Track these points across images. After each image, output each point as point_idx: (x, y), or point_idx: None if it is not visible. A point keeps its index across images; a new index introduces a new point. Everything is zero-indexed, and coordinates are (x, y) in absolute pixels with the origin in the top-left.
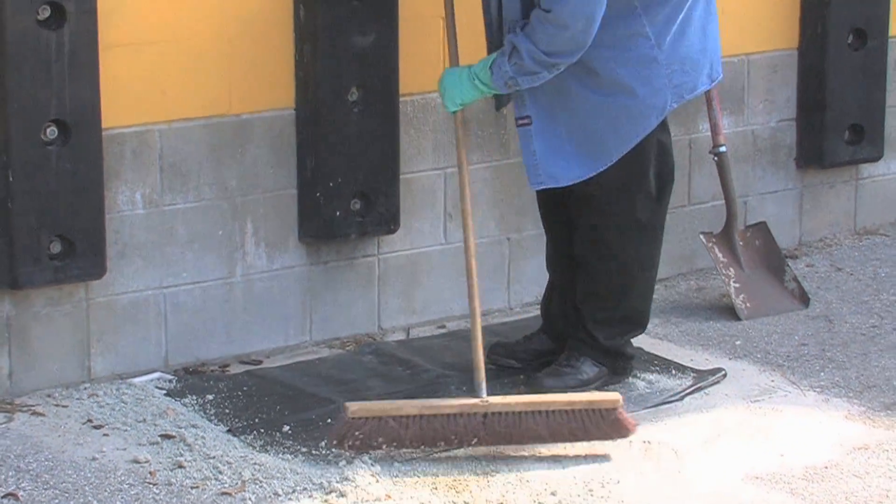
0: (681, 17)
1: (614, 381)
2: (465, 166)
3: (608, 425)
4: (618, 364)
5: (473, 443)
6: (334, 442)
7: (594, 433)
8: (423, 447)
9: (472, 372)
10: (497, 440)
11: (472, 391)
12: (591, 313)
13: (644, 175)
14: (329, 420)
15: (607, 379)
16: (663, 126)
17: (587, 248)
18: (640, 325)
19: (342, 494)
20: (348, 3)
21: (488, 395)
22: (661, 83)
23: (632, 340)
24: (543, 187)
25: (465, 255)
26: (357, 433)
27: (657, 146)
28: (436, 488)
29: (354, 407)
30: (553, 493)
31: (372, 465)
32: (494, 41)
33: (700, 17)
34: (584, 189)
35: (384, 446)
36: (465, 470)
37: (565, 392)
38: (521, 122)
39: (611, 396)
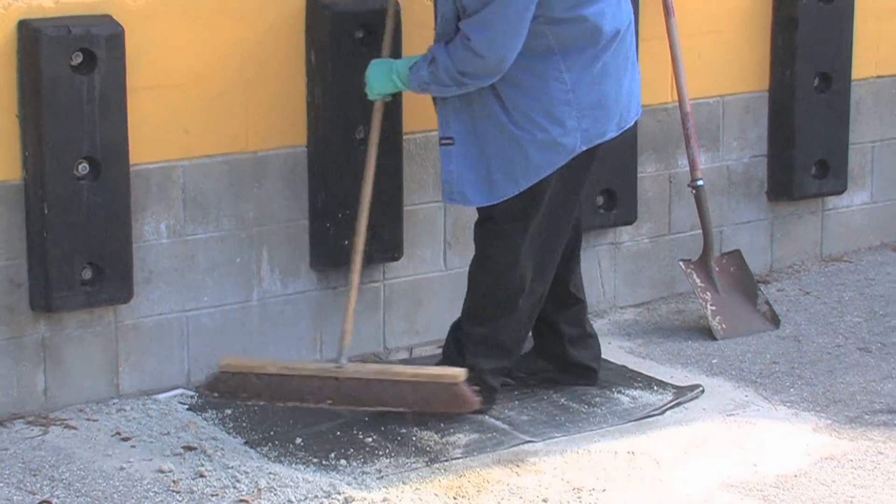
0: (598, 66)
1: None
2: (373, 147)
3: (449, 398)
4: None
5: (328, 403)
6: (206, 391)
7: (436, 404)
8: (280, 403)
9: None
10: (348, 402)
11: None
12: (460, 330)
13: (539, 203)
14: (338, 433)
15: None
16: (579, 172)
17: (476, 264)
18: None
19: (350, 501)
20: (356, 48)
21: (349, 362)
22: (571, 125)
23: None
24: (455, 204)
25: (357, 221)
26: (225, 384)
27: (566, 182)
28: (436, 495)
29: (225, 361)
30: (544, 500)
31: (377, 473)
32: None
33: (618, 70)
34: (486, 211)
35: (248, 400)
36: (463, 477)
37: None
38: (444, 141)
39: (453, 371)
